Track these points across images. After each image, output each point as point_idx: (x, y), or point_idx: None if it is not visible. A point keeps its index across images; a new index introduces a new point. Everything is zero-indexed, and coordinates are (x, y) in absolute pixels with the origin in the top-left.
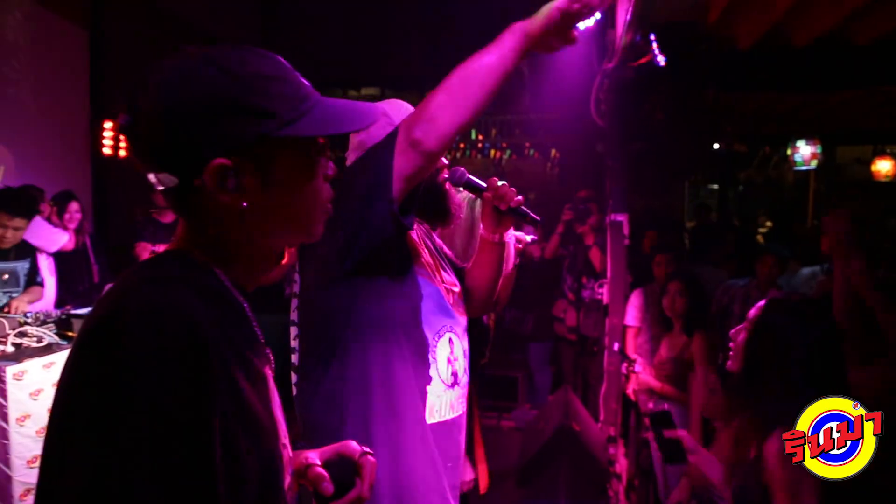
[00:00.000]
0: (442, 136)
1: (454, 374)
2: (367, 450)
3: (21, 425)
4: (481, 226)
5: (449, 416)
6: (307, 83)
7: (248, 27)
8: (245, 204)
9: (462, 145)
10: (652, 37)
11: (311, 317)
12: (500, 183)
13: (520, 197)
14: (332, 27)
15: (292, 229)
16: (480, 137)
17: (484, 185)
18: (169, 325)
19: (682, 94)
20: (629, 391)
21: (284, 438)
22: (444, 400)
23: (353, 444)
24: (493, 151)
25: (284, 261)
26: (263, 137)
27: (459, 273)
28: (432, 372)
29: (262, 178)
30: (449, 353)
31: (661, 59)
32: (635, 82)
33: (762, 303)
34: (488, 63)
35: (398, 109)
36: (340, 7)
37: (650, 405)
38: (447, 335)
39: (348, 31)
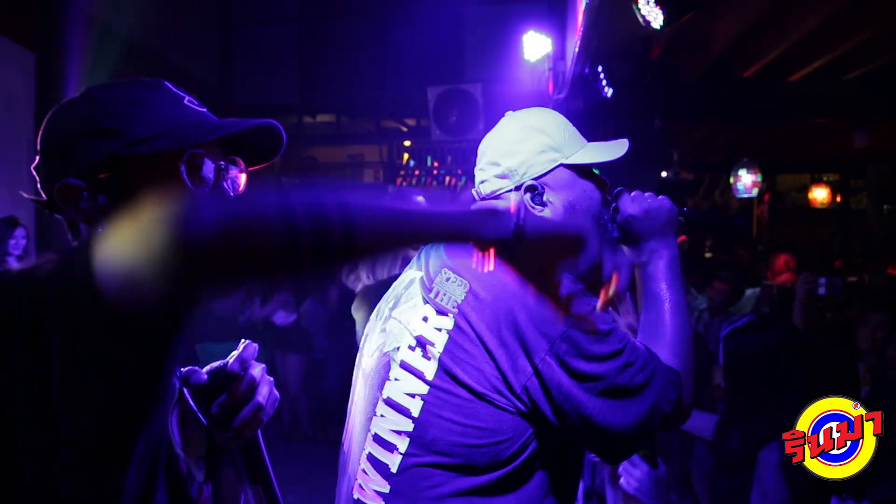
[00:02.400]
0: None
1: None
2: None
3: None
4: None
5: None
6: (192, 107)
7: (206, 55)
8: (100, 227)
9: (417, 172)
10: (600, 69)
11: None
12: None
13: None
14: (288, 56)
15: None
16: (436, 164)
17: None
18: None
19: (630, 124)
20: None
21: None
22: None
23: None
24: (448, 178)
25: None
26: (114, 157)
27: None
28: None
29: (121, 200)
30: None
31: (608, 91)
32: (585, 113)
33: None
34: None
35: None
36: (295, 37)
37: None
38: None
39: (303, 61)
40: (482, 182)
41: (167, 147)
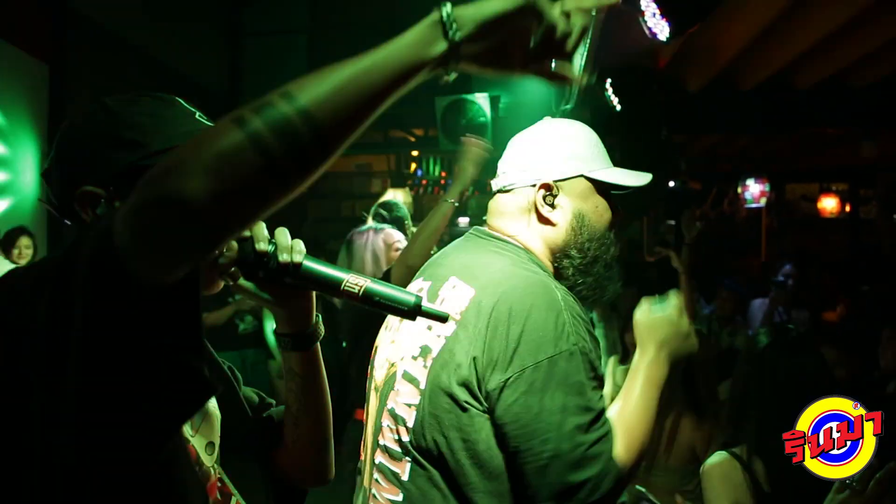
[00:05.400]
0: None
1: None
2: None
3: None
4: None
5: None
6: (203, 122)
7: (215, 63)
8: None
9: (424, 182)
10: (607, 80)
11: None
12: None
13: None
14: (297, 66)
15: None
16: (443, 174)
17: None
18: None
19: (637, 135)
20: None
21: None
22: None
23: None
24: None
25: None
26: (133, 167)
27: None
28: None
29: None
30: None
31: (615, 102)
32: (592, 123)
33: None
34: None
35: None
36: (304, 48)
37: None
38: None
39: (311, 68)
40: (503, 173)
41: None
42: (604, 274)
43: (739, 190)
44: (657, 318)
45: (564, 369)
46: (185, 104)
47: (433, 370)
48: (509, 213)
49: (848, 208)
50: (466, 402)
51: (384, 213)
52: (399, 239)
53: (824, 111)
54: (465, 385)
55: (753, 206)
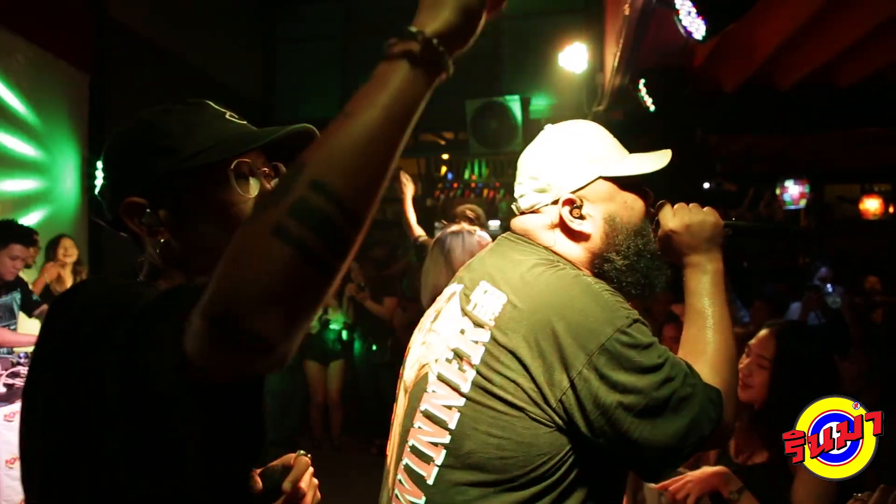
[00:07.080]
0: None
1: None
2: (304, 452)
3: (10, 467)
4: None
5: None
6: (234, 121)
7: (250, 72)
8: (163, 238)
9: (455, 185)
10: (640, 80)
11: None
12: None
13: None
14: (329, 70)
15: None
16: (473, 178)
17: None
18: None
19: (671, 135)
20: None
21: None
22: None
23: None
24: (486, 191)
25: None
26: (172, 173)
27: None
28: None
29: (179, 212)
30: None
31: (649, 103)
32: (625, 125)
33: (764, 334)
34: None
35: None
36: (337, 54)
37: None
38: None
39: (345, 77)
40: (521, 196)
41: (216, 158)
42: (651, 266)
43: (778, 191)
44: (694, 219)
45: (627, 343)
46: (215, 105)
47: (480, 376)
48: (538, 230)
49: (892, 210)
50: (524, 410)
51: (472, 216)
52: (490, 240)
53: (866, 110)
54: (528, 395)
55: (793, 207)
